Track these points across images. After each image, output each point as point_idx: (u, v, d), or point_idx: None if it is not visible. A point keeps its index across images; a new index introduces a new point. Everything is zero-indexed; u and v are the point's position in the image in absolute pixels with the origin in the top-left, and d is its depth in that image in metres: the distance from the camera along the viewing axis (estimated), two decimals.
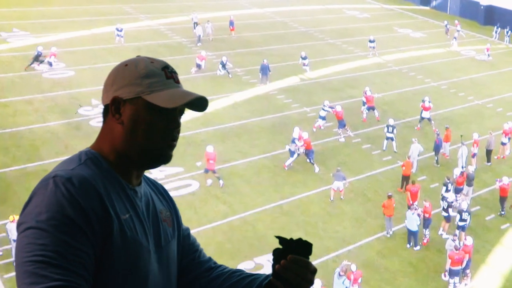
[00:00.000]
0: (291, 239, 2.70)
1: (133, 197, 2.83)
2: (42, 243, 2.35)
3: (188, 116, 37.50)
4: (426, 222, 27.30)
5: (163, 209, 3.10)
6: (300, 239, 2.69)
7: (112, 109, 2.75)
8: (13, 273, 22.62)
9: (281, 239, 2.71)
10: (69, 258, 2.38)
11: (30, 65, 43.98)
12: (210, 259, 3.40)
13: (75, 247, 2.40)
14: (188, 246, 3.35)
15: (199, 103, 2.86)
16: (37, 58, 44.10)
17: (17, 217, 22.51)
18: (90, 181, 2.57)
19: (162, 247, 2.96)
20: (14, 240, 22.60)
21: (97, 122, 34.91)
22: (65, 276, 2.34)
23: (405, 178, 31.50)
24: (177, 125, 2.84)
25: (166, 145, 2.82)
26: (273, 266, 2.69)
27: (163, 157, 2.85)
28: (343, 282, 22.40)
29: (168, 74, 2.82)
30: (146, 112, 2.73)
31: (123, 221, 2.66)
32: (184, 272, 3.21)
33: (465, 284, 24.90)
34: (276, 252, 2.70)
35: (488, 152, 35.42)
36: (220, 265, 3.33)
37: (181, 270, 3.20)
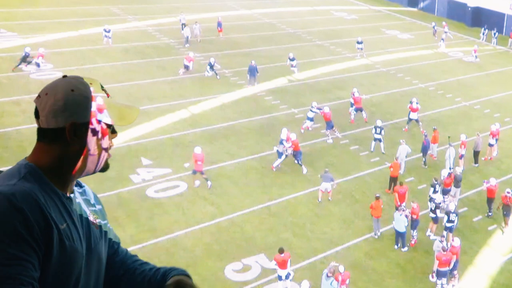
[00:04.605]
0: None
1: (69, 206, 2.97)
2: None
3: (176, 117, 37.44)
4: (413, 223, 27.35)
5: (91, 212, 3.20)
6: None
7: (70, 133, 2.89)
8: None
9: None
10: (18, 270, 2.52)
11: (18, 66, 43.82)
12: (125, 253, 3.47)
13: (22, 259, 2.55)
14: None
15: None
16: (25, 59, 43.96)
17: None
18: (31, 195, 2.71)
19: (92, 249, 3.07)
20: None
21: None
22: (16, 286, 2.50)
23: (393, 179, 31.57)
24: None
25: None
26: None
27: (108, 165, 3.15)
28: (331, 283, 22.41)
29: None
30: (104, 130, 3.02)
31: (62, 231, 2.81)
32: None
33: (453, 285, 24.94)
34: None
35: (476, 154, 35.52)
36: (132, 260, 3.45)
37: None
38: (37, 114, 2.92)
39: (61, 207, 2.88)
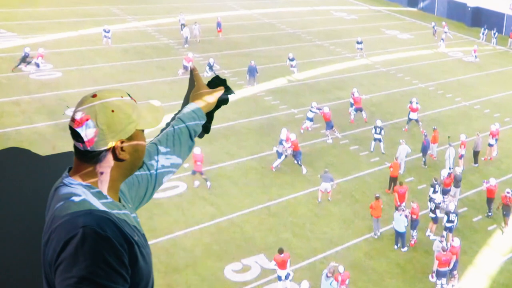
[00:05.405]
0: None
1: (128, 214, 3.04)
2: None
3: None
4: (413, 223, 27.34)
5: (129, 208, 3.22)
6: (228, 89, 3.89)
7: (118, 151, 2.98)
8: None
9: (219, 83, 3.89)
10: None
11: (17, 66, 43.83)
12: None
13: None
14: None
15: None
16: (24, 59, 43.97)
17: None
18: (110, 219, 2.79)
19: None
20: None
21: None
22: None
23: (393, 179, 31.56)
24: None
25: None
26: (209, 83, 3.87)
27: None
28: (330, 284, 22.40)
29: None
30: (142, 137, 3.16)
31: (138, 242, 2.92)
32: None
33: (452, 285, 24.94)
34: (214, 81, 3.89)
35: (475, 154, 35.52)
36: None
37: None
38: (76, 137, 2.92)
39: (127, 219, 2.96)
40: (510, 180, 33.66)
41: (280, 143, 32.94)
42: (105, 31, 52.69)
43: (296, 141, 33.07)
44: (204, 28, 57.77)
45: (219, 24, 58.82)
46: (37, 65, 44.51)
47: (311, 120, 37.46)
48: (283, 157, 32.71)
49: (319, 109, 37.46)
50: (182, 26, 56.24)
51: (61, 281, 2.62)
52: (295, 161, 33.06)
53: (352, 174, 33.33)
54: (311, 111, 37.39)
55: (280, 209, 29.42)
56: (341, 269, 23.14)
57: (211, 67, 45.71)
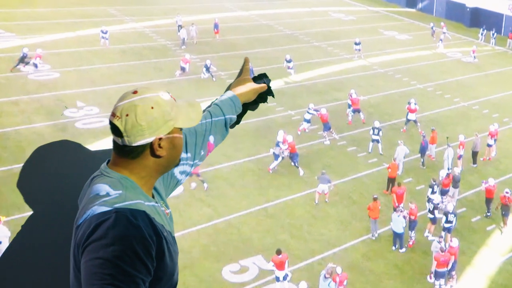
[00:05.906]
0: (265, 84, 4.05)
1: (160, 210, 3.12)
2: (109, 273, 2.64)
3: None
4: (411, 224, 27.32)
5: (162, 203, 3.28)
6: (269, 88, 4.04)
7: (156, 147, 3.03)
8: None
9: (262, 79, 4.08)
10: (132, 287, 2.71)
11: (16, 66, 43.80)
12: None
13: (136, 277, 2.71)
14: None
15: None
16: (23, 60, 43.95)
17: (3, 218, 22.15)
18: (144, 210, 2.90)
19: None
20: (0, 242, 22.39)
21: (83, 124, 34.95)
22: None
23: (391, 180, 31.52)
24: None
25: None
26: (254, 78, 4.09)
27: None
28: (328, 285, 22.39)
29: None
30: (179, 135, 3.17)
31: (167, 238, 2.98)
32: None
33: (451, 286, 24.92)
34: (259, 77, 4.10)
35: (474, 154, 35.51)
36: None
37: None
38: (116, 132, 2.98)
39: (157, 214, 3.03)
40: (509, 180, 33.68)
41: (277, 145, 32.92)
42: (102, 32, 52.65)
43: (293, 143, 33.03)
44: (201, 30, 57.69)
45: (216, 26, 58.78)
46: (35, 65, 44.49)
47: (308, 121, 37.43)
48: (280, 159, 32.69)
49: (316, 110, 37.43)
50: (179, 28, 56.25)
51: (87, 261, 2.69)
52: (292, 163, 33.02)
53: (349, 175, 33.31)
54: (308, 112, 37.37)
55: (277, 211, 29.40)
56: (339, 270, 23.13)
57: (207, 69, 45.69)
